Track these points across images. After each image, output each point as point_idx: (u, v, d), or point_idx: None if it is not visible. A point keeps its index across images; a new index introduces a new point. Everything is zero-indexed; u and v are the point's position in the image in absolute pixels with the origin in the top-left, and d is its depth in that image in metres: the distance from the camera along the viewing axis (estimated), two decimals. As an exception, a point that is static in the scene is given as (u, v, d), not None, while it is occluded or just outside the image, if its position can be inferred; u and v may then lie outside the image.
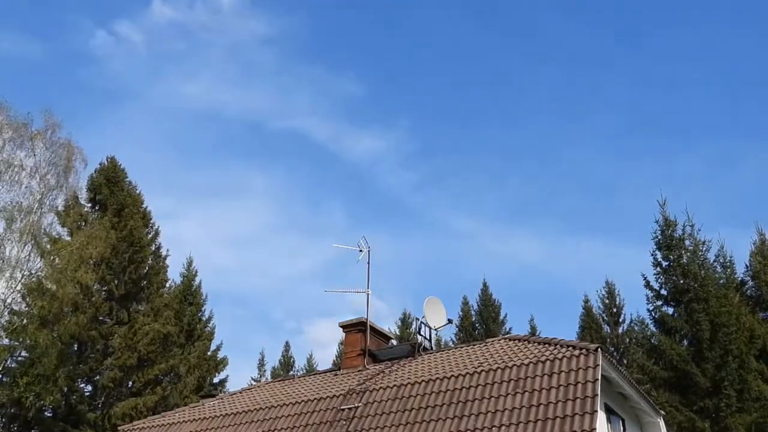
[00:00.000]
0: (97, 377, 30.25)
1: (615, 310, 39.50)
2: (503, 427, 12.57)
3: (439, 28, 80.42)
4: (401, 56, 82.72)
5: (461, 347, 17.35)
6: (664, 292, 29.09)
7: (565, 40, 78.80)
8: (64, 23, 76.48)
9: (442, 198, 79.98)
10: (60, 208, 29.41)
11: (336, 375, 17.47)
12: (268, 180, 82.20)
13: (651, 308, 29.20)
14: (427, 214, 79.49)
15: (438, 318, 17.59)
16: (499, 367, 14.05)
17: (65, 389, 29.23)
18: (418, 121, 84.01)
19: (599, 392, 12.60)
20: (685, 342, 28.10)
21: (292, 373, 44.63)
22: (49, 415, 29.73)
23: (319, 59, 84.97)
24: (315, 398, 15.73)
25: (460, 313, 41.36)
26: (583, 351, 13.48)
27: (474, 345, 17.19)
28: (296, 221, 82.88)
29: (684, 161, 76.57)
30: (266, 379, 43.96)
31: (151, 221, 34.04)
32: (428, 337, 17.61)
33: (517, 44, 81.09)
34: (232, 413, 16.72)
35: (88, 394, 30.72)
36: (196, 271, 36.77)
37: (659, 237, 29.30)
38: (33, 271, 27.18)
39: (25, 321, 27.28)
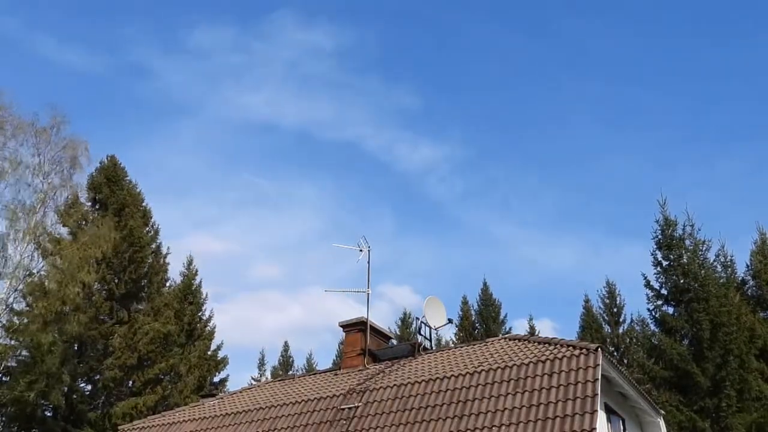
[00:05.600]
0: (98, 377, 30.26)
1: (615, 309, 39.52)
2: (503, 427, 12.57)
3: (492, 43, 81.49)
4: (455, 70, 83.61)
5: (461, 347, 17.33)
6: (664, 291, 29.07)
7: (610, 54, 79.50)
8: (124, 37, 76.78)
9: (486, 206, 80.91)
10: (61, 207, 29.36)
11: (336, 375, 17.47)
12: (318, 189, 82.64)
13: (651, 308, 29.23)
14: (470, 221, 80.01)
15: (438, 318, 17.58)
16: (499, 367, 14.04)
17: (66, 389, 29.24)
18: (468, 133, 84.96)
19: (599, 392, 12.59)
20: (686, 341, 28.06)
21: (291, 372, 44.66)
22: (49, 414, 29.72)
23: (376, 72, 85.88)
24: (315, 398, 15.73)
25: (460, 313, 41.34)
26: (584, 351, 13.47)
27: (474, 345, 17.17)
28: (343, 229, 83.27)
29: (723, 166, 76.91)
30: (266, 378, 43.97)
31: (152, 220, 34.08)
32: (428, 337, 17.62)
33: (564, 58, 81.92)
34: (232, 413, 16.73)
35: (88, 393, 30.74)
36: (197, 271, 36.79)
37: (659, 236, 29.29)
38: (35, 271, 27.16)
39: (26, 321, 27.23)
